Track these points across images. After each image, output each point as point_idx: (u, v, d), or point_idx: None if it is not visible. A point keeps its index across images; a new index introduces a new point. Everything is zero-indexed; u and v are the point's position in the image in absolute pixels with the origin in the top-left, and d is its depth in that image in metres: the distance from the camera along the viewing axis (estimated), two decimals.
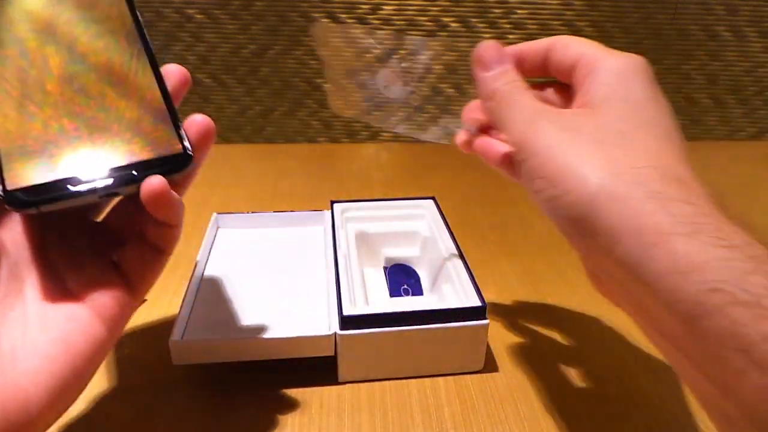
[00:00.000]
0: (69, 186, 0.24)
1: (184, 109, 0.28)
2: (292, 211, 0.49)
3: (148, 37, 0.28)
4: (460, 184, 0.64)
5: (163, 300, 0.42)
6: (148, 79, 0.27)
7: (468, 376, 0.37)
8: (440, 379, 0.36)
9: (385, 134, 0.95)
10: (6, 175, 0.24)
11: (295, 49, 0.88)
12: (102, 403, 0.34)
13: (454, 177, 0.66)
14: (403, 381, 0.36)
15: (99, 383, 0.35)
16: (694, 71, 0.86)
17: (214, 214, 0.47)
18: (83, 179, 0.24)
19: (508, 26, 0.85)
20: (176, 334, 0.34)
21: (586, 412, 0.34)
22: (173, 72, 0.28)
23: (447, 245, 0.41)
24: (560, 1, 0.83)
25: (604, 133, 0.25)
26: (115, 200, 0.29)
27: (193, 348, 0.33)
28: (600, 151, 0.24)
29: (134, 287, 0.27)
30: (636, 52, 0.27)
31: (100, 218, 0.30)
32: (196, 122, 0.27)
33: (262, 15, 0.86)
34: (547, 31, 0.85)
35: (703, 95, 0.88)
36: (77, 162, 0.24)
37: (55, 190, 0.24)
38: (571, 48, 0.29)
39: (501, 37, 0.86)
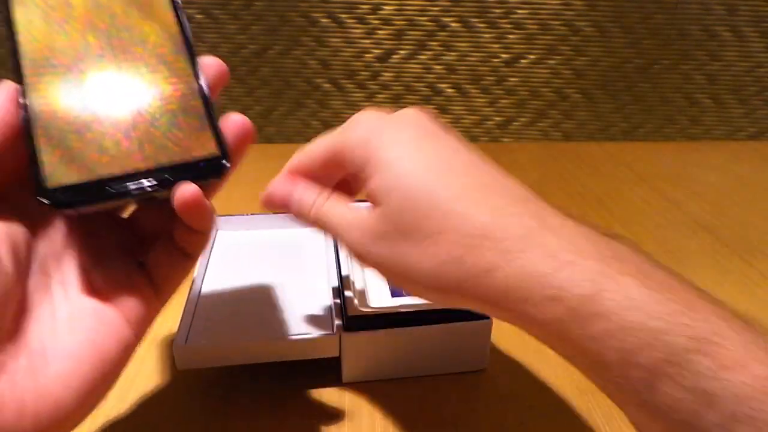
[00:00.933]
0: (109, 187, 0.22)
1: None
2: None
3: (187, 26, 0.26)
4: None
5: None
6: (186, 72, 0.25)
7: (472, 375, 0.37)
8: (444, 378, 0.36)
9: None
10: (46, 171, 0.22)
11: (295, 49, 0.88)
12: (105, 410, 0.34)
13: None
14: (407, 380, 0.36)
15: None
16: (693, 71, 0.86)
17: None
18: (122, 181, 0.22)
19: (508, 26, 0.85)
20: (180, 339, 0.33)
21: (590, 410, 0.34)
22: (211, 65, 0.26)
23: None
24: (560, 1, 0.83)
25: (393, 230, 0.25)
26: None
27: (197, 353, 0.33)
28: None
29: (159, 289, 0.26)
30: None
31: (126, 215, 0.28)
32: (234, 122, 0.25)
33: (262, 15, 0.86)
34: (547, 30, 0.85)
35: (703, 95, 0.88)
36: (116, 162, 0.23)
37: (96, 191, 0.22)
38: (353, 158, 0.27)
39: (501, 37, 0.86)
